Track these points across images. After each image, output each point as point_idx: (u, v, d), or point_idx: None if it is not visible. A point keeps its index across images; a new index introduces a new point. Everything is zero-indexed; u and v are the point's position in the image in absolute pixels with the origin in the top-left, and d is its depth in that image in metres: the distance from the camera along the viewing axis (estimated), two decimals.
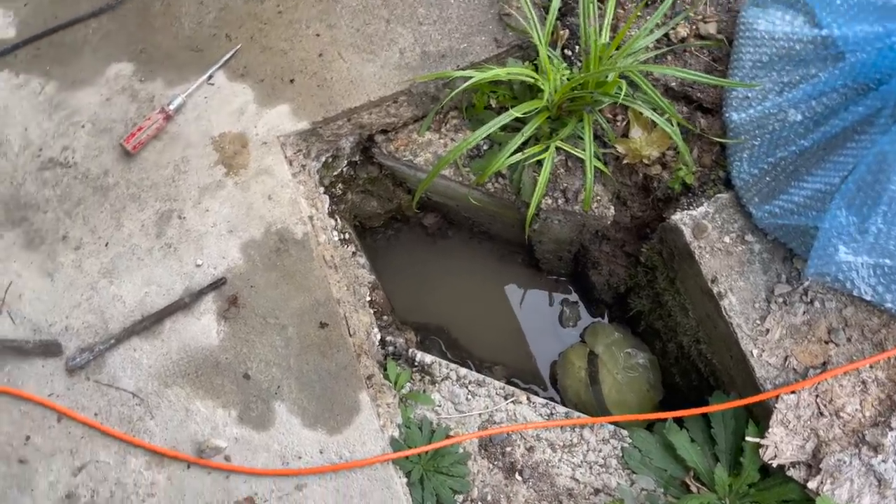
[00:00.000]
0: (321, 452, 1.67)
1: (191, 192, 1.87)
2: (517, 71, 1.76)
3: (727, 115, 1.78)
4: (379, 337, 1.96)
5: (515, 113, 1.74)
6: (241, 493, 1.66)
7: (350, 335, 1.78)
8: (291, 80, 1.93)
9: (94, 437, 1.70)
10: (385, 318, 2.13)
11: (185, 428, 1.70)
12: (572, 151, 1.88)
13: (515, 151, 1.87)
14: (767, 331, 1.65)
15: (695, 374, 2.10)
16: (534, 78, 1.79)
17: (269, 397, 1.71)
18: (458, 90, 1.85)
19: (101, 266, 1.82)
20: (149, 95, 1.95)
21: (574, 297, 2.74)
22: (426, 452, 1.73)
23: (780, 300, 1.69)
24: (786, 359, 1.65)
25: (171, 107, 1.90)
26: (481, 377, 1.86)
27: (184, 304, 1.78)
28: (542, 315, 2.78)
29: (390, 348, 1.99)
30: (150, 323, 1.77)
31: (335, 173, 2.16)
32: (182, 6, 2.05)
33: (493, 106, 1.97)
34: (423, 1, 1.98)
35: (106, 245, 1.84)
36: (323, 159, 2.04)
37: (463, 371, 1.87)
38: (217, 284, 1.79)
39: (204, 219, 1.85)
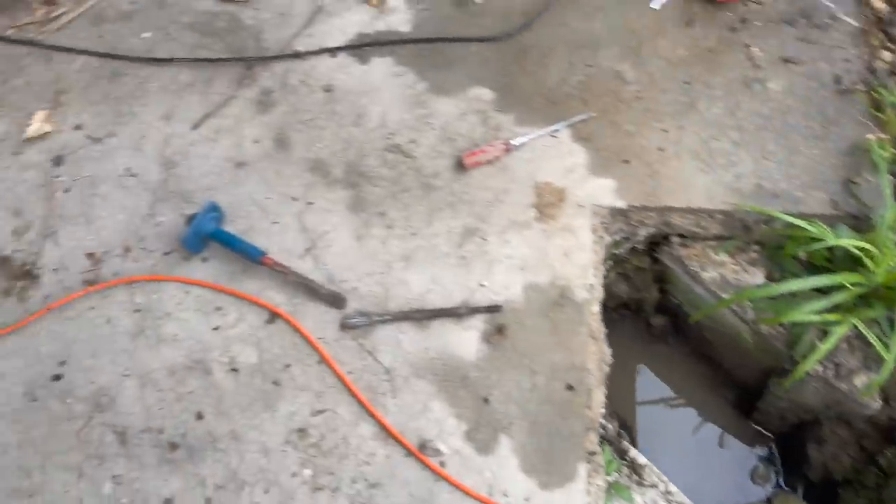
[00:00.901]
0: (526, 500, 1.74)
1: (499, 221, 2.04)
2: (854, 244, 1.77)
3: None
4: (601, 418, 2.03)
5: (841, 280, 1.75)
6: (442, 501, 1.77)
7: (588, 408, 1.86)
8: (626, 161, 2.06)
9: (341, 392, 1.88)
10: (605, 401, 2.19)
11: (416, 420, 1.83)
12: (867, 335, 1.85)
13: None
14: None
15: None
16: (867, 255, 1.79)
17: (499, 428, 1.82)
18: (777, 233, 1.89)
19: (403, 250, 2.02)
20: (497, 125, 2.16)
21: (774, 455, 2.65)
22: None
23: None
24: None
25: (514, 142, 2.09)
26: (688, 501, 1.87)
27: (458, 314, 1.93)
28: (730, 459, 2.71)
29: (601, 431, 2.04)
30: (423, 316, 1.94)
31: (614, 252, 2.26)
32: (554, 61, 2.25)
33: (801, 257, 1.99)
34: (775, 138, 2.05)
35: (412, 234, 2.04)
36: (616, 238, 2.15)
37: (673, 487, 1.88)
38: (492, 309, 1.93)
39: (502, 248, 2.00)
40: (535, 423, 1.82)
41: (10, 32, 2.47)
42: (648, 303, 2.59)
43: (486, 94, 2.22)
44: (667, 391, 2.86)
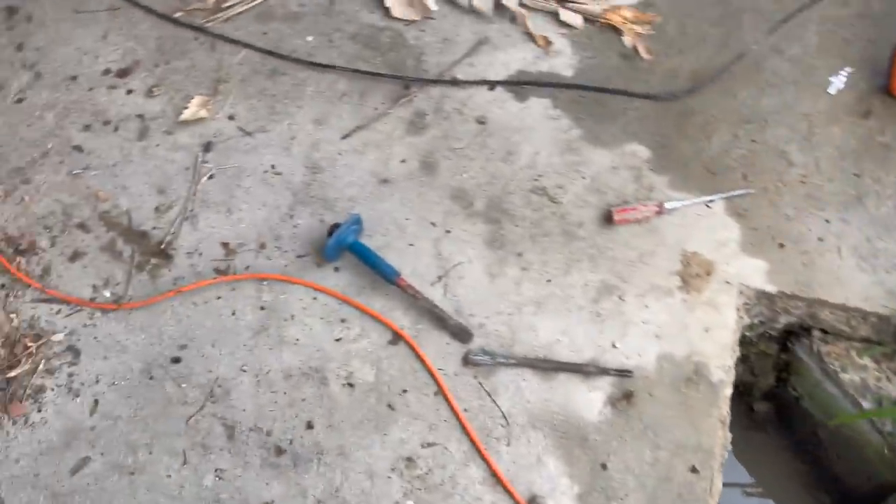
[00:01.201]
0: None
1: (640, 283, 1.97)
2: None
3: None
4: None
5: None
6: None
7: (710, 494, 1.77)
8: (781, 245, 1.98)
9: (454, 428, 1.82)
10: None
11: (528, 472, 1.77)
12: None
13: None
14: None
15: None
16: None
17: (613, 497, 1.73)
18: None
19: (535, 295, 1.97)
20: (650, 185, 2.11)
21: None
22: None
23: None
24: None
25: (668, 206, 2.03)
26: None
27: (586, 371, 1.87)
28: None
29: None
30: (550, 367, 1.88)
31: (745, 334, 2.18)
32: (718, 131, 2.20)
33: None
34: None
35: (548, 281, 1.99)
36: (754, 321, 2.06)
37: None
38: (623, 373, 1.86)
39: (639, 312, 1.94)
40: (652, 500, 1.73)
41: (179, 15, 2.55)
42: (759, 388, 2.48)
43: (642, 151, 2.18)
44: (755, 484, 2.73)
